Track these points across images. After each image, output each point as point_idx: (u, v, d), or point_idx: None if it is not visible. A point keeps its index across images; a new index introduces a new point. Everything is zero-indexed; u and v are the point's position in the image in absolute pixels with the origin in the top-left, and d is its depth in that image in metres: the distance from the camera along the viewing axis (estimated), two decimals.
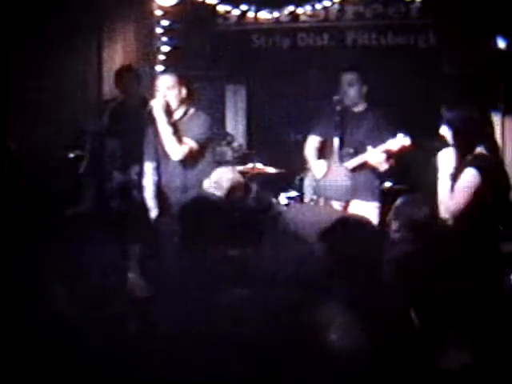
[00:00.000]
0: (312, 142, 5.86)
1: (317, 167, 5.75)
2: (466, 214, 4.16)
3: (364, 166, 5.55)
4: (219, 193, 4.95)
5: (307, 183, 5.97)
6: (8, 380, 2.59)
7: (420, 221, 3.73)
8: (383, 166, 5.48)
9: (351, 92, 5.66)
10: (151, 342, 2.76)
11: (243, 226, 3.77)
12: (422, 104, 6.79)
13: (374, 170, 5.57)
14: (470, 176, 4.16)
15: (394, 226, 3.77)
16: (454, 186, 4.21)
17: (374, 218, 5.30)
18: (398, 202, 3.93)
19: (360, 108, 5.73)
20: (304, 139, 5.99)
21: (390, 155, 5.43)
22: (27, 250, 3.34)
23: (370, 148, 5.47)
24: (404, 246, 3.59)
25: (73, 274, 3.07)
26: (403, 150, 5.38)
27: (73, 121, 7.19)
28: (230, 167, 5.41)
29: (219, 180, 4.96)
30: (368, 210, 5.44)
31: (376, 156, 5.45)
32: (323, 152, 5.80)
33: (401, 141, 5.34)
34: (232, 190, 5.04)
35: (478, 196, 4.15)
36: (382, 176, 5.71)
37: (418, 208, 3.81)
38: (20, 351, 2.67)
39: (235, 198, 5.03)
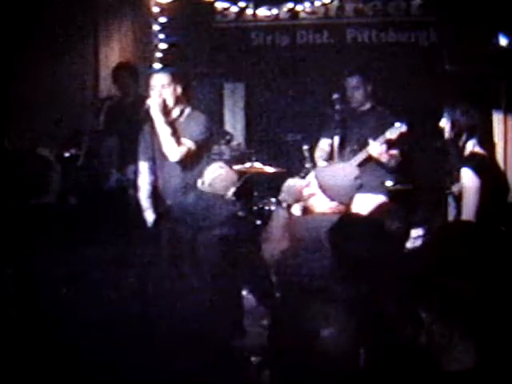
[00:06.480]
0: (322, 146, 5.95)
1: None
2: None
3: (368, 160, 5.62)
4: (211, 190, 4.92)
5: None
6: (9, 380, 2.56)
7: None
8: (384, 157, 5.54)
9: (357, 95, 5.77)
10: (150, 341, 2.72)
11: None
12: (423, 102, 6.74)
13: (379, 164, 5.63)
14: (468, 178, 4.26)
15: (416, 232, 3.81)
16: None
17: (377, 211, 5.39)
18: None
19: (365, 107, 5.84)
20: (303, 138, 5.95)
21: (390, 145, 5.53)
22: (23, 248, 3.31)
23: (370, 141, 5.55)
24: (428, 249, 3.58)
25: (68, 273, 3.04)
26: (401, 138, 5.49)
27: (70, 119, 7.12)
28: (219, 163, 5.34)
29: (212, 180, 4.97)
30: (372, 202, 5.45)
31: (376, 147, 5.51)
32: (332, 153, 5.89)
33: (398, 129, 5.47)
34: (224, 185, 5.02)
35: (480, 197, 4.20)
36: (387, 171, 5.76)
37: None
38: (19, 352, 2.65)
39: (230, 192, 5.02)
